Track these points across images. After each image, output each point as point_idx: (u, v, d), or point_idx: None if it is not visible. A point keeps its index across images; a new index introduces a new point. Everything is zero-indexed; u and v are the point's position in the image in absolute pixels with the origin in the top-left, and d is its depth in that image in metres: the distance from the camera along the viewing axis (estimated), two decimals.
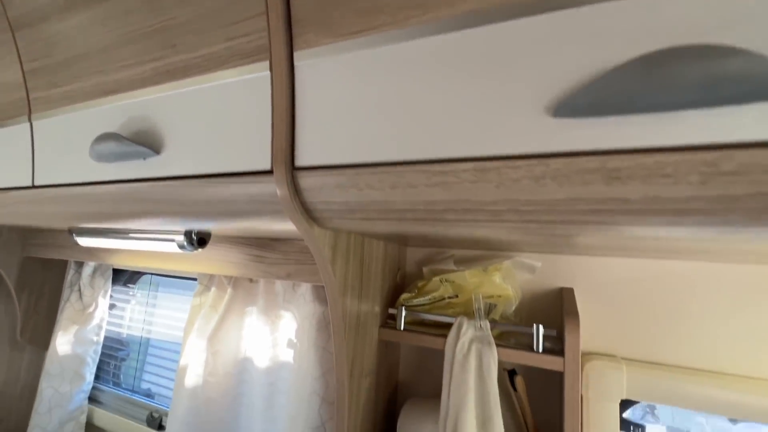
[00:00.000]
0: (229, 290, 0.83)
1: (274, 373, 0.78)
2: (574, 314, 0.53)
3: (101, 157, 0.53)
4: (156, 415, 0.95)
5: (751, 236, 0.29)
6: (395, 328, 0.62)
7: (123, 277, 1.18)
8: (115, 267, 1.13)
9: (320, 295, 0.76)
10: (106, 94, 0.55)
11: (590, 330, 0.60)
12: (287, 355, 0.79)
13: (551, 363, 0.51)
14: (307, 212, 0.43)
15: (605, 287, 0.61)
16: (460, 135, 0.32)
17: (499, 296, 0.60)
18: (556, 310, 0.62)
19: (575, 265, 0.63)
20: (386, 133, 0.35)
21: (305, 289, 0.77)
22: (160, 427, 0.93)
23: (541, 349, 0.52)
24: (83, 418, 1.03)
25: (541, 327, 0.53)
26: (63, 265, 1.21)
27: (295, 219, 0.43)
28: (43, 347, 1.14)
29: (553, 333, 0.52)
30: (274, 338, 0.80)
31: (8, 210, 0.75)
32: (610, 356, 0.57)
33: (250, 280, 0.86)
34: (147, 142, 0.50)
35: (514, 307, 0.59)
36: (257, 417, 0.78)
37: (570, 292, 0.59)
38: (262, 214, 0.47)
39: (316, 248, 0.47)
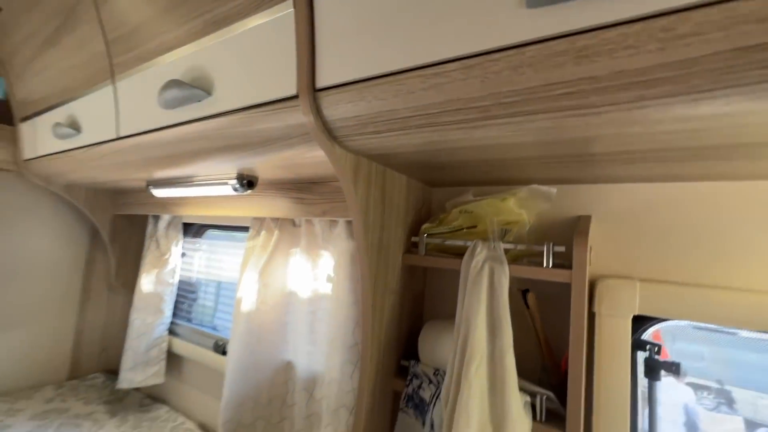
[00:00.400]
0: (276, 232, 0.94)
1: (315, 303, 0.88)
2: (584, 232, 0.55)
3: (167, 104, 0.63)
4: (220, 343, 1.11)
5: (722, 104, 0.31)
6: (417, 254, 0.68)
7: (191, 231, 1.36)
8: (184, 221, 1.30)
9: (353, 232, 0.83)
10: (169, 50, 0.66)
11: (608, 255, 0.62)
12: (326, 288, 0.88)
13: (559, 275, 0.54)
14: (329, 131, 0.50)
15: (622, 214, 0.61)
16: (448, 37, 0.36)
17: (516, 222, 0.63)
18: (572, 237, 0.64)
19: (592, 194, 0.64)
20: (386, 46, 0.40)
21: (341, 228, 0.85)
22: (224, 352, 1.09)
23: (551, 265, 0.55)
24: (164, 346, 1.23)
25: (552, 244, 0.55)
26: (144, 221, 1.42)
27: (320, 139, 0.50)
28: (132, 290, 1.36)
29: (563, 249, 0.55)
30: (314, 274, 0.90)
31: (99, 163, 0.92)
32: (626, 277, 0.58)
33: (293, 224, 0.96)
34: (201, 86, 0.60)
35: (527, 228, 0.62)
36: (301, 340, 0.89)
37: (587, 219, 0.60)
38: (292, 139, 0.55)
39: (339, 168, 0.54)
